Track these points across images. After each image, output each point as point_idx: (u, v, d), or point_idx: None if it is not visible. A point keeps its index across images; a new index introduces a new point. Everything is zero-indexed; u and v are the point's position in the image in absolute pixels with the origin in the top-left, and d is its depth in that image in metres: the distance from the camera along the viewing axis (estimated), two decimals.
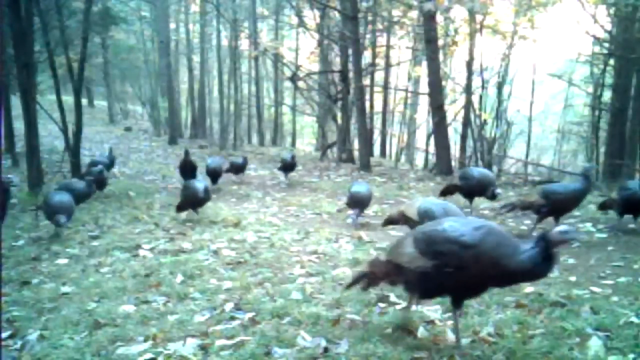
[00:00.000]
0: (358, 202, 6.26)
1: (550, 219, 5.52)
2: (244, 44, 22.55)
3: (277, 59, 20.80)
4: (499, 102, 14.99)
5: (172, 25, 23.29)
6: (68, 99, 12.68)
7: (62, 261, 4.88)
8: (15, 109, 12.08)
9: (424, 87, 19.71)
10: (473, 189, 6.77)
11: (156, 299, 3.68)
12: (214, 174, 9.35)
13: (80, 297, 3.83)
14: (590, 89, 16.43)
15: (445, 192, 7.19)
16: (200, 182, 6.57)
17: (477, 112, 14.57)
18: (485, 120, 14.75)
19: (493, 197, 6.67)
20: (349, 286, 3.21)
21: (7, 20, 8.30)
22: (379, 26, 18.76)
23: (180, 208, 6.71)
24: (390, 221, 5.08)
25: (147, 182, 10.31)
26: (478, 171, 7.03)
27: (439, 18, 13.88)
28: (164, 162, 13.92)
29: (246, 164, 10.64)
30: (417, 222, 4.17)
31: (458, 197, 7.23)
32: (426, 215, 4.19)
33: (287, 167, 10.37)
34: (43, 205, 6.11)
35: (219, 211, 7.03)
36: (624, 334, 2.80)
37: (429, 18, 12.40)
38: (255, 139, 24.52)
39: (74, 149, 10.87)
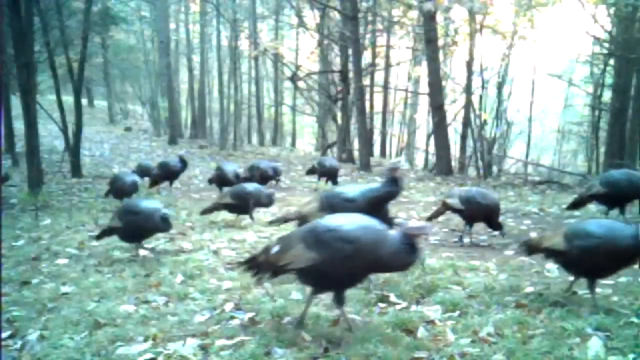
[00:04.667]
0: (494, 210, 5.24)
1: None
2: (244, 44, 22.56)
3: (277, 59, 20.82)
4: (499, 102, 15.01)
5: (172, 25, 23.30)
6: (68, 99, 12.70)
7: (62, 261, 4.87)
8: (15, 109, 12.09)
9: (424, 87, 19.71)
10: (627, 196, 5.79)
11: (156, 299, 3.68)
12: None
13: (80, 297, 3.83)
14: (590, 89, 16.45)
15: (579, 205, 6.40)
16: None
17: (477, 112, 14.58)
18: (485, 120, 14.75)
19: None
20: None
21: (7, 20, 8.30)
22: (379, 26, 18.78)
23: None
24: (531, 251, 3.92)
25: (147, 182, 10.30)
26: (623, 173, 6.03)
27: (439, 18, 13.89)
28: None
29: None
30: (566, 251, 3.30)
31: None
32: (577, 237, 3.26)
33: (325, 173, 9.24)
34: None
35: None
36: (624, 334, 2.80)
37: (429, 18, 12.41)
38: (255, 139, 24.54)
39: (74, 149, 10.90)
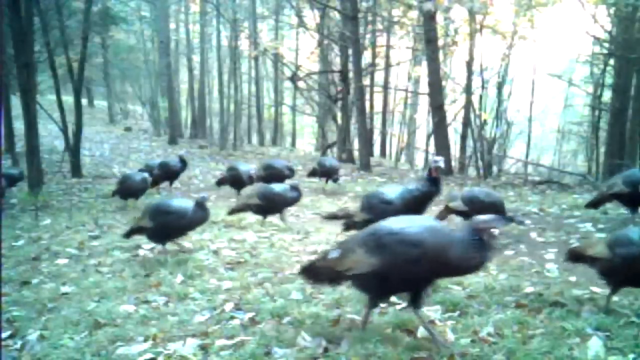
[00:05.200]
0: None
1: None
2: (244, 44, 22.56)
3: (277, 59, 20.81)
4: (499, 102, 14.99)
5: (172, 25, 23.29)
6: (68, 99, 12.70)
7: (62, 261, 4.87)
8: (15, 109, 12.09)
9: (424, 87, 19.71)
10: None
11: (156, 299, 3.68)
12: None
13: (80, 297, 3.83)
14: (590, 89, 16.44)
15: (598, 203, 6.21)
16: None
17: (477, 112, 14.58)
18: (485, 120, 14.75)
19: None
20: None
21: (7, 20, 8.30)
22: (379, 26, 18.77)
23: None
24: (575, 259, 3.67)
25: None
26: None
27: (439, 18, 13.89)
28: None
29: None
30: (609, 259, 3.12)
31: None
32: (620, 244, 3.12)
33: (326, 173, 9.21)
34: None
35: (219, 211, 7.02)
36: (624, 334, 2.80)
37: (429, 18, 12.41)
38: (255, 139, 24.53)
39: (74, 149, 10.89)
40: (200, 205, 4.64)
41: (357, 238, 2.85)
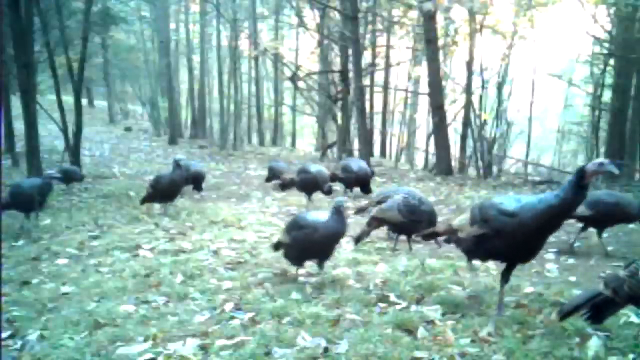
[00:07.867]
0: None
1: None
2: (244, 44, 22.56)
3: (277, 59, 20.81)
4: (499, 102, 14.99)
5: (172, 25, 23.29)
6: (68, 99, 12.68)
7: (62, 261, 4.87)
8: (15, 109, 12.08)
9: (424, 87, 19.70)
10: None
11: (156, 299, 3.68)
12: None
13: (80, 297, 3.83)
14: (590, 89, 16.45)
15: None
16: None
17: (477, 112, 14.58)
18: (485, 120, 14.74)
19: None
20: None
21: (7, 20, 8.30)
22: (379, 26, 18.78)
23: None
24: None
25: (147, 182, 10.29)
26: None
27: (439, 18, 13.89)
28: (164, 162, 13.90)
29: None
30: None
31: None
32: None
33: (354, 181, 8.50)
34: None
35: (219, 211, 7.02)
36: (624, 334, 2.80)
37: (428, 18, 12.41)
38: (255, 139, 24.52)
39: (74, 149, 10.88)
40: (338, 212, 3.80)
41: None
